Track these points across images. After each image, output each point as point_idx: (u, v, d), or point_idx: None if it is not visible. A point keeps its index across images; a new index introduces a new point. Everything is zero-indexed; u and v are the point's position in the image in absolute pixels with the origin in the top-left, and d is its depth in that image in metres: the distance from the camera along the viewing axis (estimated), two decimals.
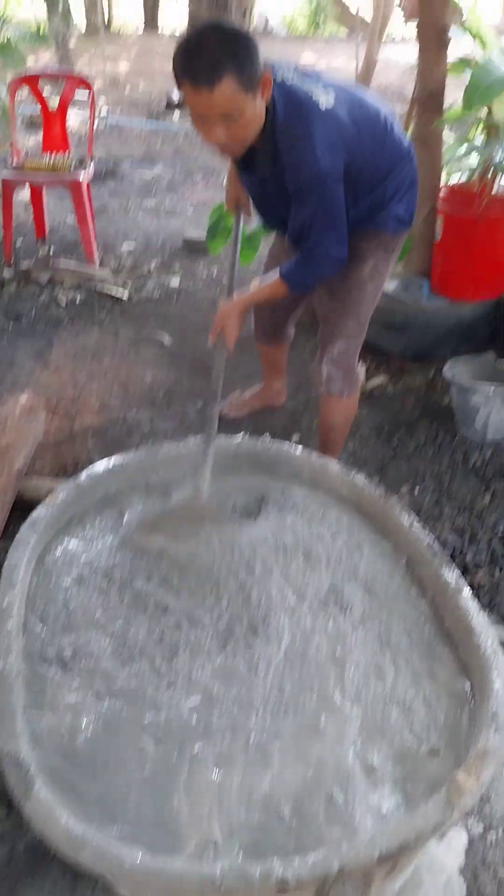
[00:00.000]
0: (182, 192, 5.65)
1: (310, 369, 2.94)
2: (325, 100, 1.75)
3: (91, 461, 2.43)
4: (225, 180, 2.34)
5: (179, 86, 1.63)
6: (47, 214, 4.50)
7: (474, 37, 3.05)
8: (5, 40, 4.03)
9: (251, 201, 2.20)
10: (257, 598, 1.52)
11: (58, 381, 2.97)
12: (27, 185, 4.04)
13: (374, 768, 1.20)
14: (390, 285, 3.13)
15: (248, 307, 2.01)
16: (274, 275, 1.96)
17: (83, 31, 14.63)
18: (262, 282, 2.01)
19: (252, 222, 2.62)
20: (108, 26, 15.67)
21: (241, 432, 1.98)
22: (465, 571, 2.02)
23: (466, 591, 1.47)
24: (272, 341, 2.58)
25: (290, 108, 1.73)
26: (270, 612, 1.49)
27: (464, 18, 3.14)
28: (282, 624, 1.46)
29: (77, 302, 3.65)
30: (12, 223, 3.99)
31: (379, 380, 2.98)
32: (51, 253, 4.25)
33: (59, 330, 3.38)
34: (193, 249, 4.33)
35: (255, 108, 1.66)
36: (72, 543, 1.72)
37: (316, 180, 1.76)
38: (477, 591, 1.95)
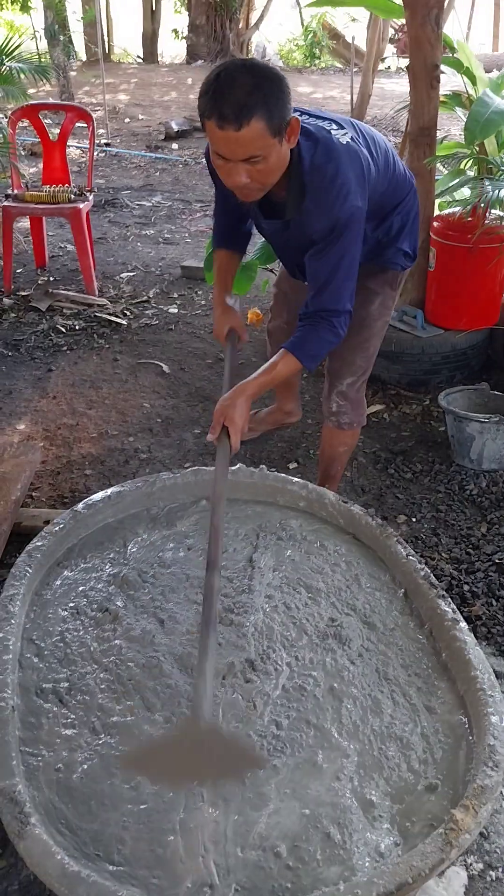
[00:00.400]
0: (180, 221, 5.71)
1: (310, 399, 2.97)
2: (343, 137, 1.72)
3: (89, 490, 2.46)
4: (214, 308, 2.14)
5: (204, 123, 1.55)
6: (47, 243, 4.54)
7: (463, 74, 3.12)
8: (7, 71, 4.08)
9: (273, 250, 2.16)
10: (255, 632, 1.52)
11: (56, 408, 2.98)
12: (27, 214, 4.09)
13: (372, 805, 1.19)
14: None
15: (257, 396, 1.79)
16: (284, 357, 1.79)
17: (83, 61, 14.88)
18: (268, 363, 1.80)
19: (248, 254, 2.60)
20: (107, 57, 15.93)
21: (237, 463, 1.99)
22: (462, 603, 2.02)
23: (463, 624, 1.47)
24: None
25: (317, 149, 1.67)
26: (270, 646, 1.49)
27: (453, 55, 3.20)
28: (280, 658, 1.46)
29: (76, 330, 3.68)
30: (12, 252, 4.03)
31: (376, 408, 3.00)
32: (50, 281, 4.29)
33: (57, 358, 3.40)
34: (192, 277, 4.37)
35: (281, 153, 1.58)
36: (69, 575, 1.72)
37: (350, 220, 1.70)
38: (474, 622, 1.95)
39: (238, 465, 1.98)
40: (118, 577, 1.69)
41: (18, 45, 4.24)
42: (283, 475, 2.00)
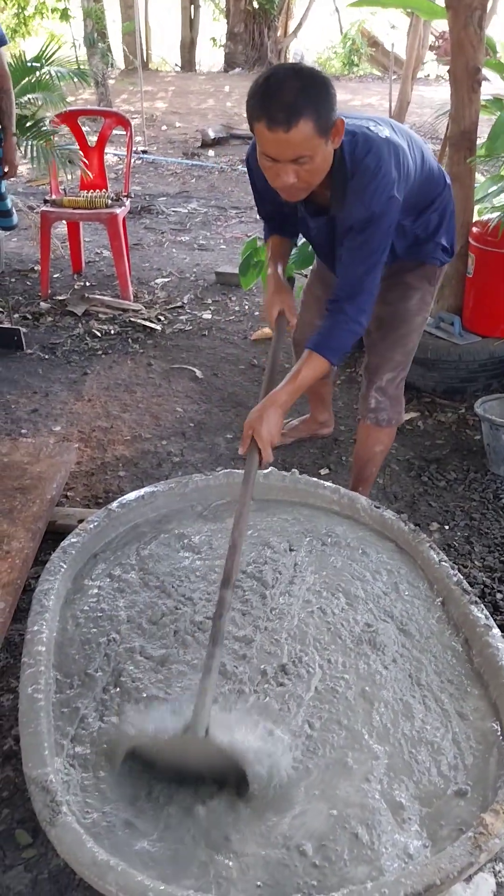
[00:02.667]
0: (215, 227, 5.75)
1: (343, 406, 2.96)
2: (382, 132, 1.76)
3: (122, 491, 2.49)
4: (267, 286, 2.06)
5: (253, 125, 1.58)
6: (84, 248, 4.61)
7: None
8: (47, 78, 4.15)
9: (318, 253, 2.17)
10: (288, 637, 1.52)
11: (91, 411, 3.02)
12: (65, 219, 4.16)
13: (401, 807, 1.19)
14: None
15: (288, 406, 1.74)
16: (308, 358, 1.76)
17: (122, 69, 15.07)
18: (294, 370, 1.76)
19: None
20: (146, 65, 16.11)
21: (269, 467, 2.00)
22: (495, 610, 2.00)
23: (496, 630, 1.46)
24: None
25: (358, 144, 1.71)
26: (303, 649, 1.49)
27: (497, 57, 3.20)
28: (314, 661, 1.46)
29: (111, 334, 3.72)
30: (49, 257, 4.09)
31: (410, 415, 2.99)
32: (86, 286, 4.35)
33: (93, 362, 3.45)
34: (226, 284, 4.40)
35: (326, 153, 1.62)
36: (103, 571, 1.74)
37: (386, 211, 1.72)
38: None
39: (270, 469, 1.99)
40: (150, 570, 1.71)
41: (56, 51, 4.31)
42: (314, 479, 2.01)
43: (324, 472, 2.62)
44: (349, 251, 1.78)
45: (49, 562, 1.68)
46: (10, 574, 1.95)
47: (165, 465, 2.66)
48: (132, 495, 1.91)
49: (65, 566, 1.68)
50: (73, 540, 1.76)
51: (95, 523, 1.81)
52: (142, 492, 1.93)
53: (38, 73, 4.02)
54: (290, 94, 1.50)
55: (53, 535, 2.21)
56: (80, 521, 2.22)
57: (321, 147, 1.58)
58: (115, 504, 1.88)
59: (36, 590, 1.61)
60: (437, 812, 1.18)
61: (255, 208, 2.13)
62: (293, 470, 2.00)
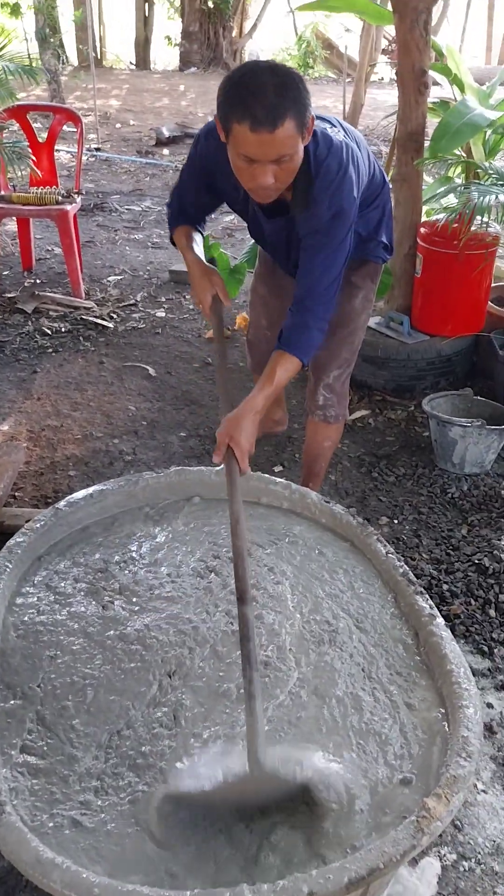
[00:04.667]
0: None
1: (296, 404, 2.98)
2: (337, 134, 1.76)
3: (72, 491, 2.45)
4: (190, 270, 1.99)
5: (229, 127, 1.53)
6: (34, 245, 4.55)
7: (451, 81, 3.16)
8: None
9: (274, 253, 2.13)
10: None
11: (41, 410, 2.98)
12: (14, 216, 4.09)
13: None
14: (373, 320, 3.19)
15: (263, 410, 1.74)
16: (280, 360, 1.75)
17: (75, 66, 14.90)
18: (265, 374, 1.75)
19: (235, 257, 2.62)
20: (99, 62, 15.96)
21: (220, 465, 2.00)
22: (441, 602, 2.04)
23: (440, 620, 1.49)
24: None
25: (319, 145, 1.71)
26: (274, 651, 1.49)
27: (442, 61, 3.25)
28: (271, 656, 1.47)
29: (62, 332, 3.68)
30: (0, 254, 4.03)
31: (361, 413, 3.02)
32: (37, 283, 4.30)
33: (43, 360, 3.41)
34: (179, 282, 4.39)
35: (301, 152, 1.60)
36: (49, 573, 1.72)
37: (350, 210, 1.75)
38: (453, 621, 1.97)
39: (221, 466, 1.99)
40: (99, 571, 1.70)
41: (4, 46, 4.24)
42: (266, 475, 2.01)
43: (277, 469, 2.64)
44: (313, 251, 1.77)
45: None
46: None
47: (117, 464, 2.64)
48: (80, 494, 1.89)
49: (10, 566, 1.65)
50: (18, 540, 1.72)
51: (42, 523, 1.78)
52: (90, 490, 1.90)
53: None
54: (271, 92, 1.47)
55: (1, 536, 2.19)
56: (28, 521, 2.21)
57: (299, 145, 1.57)
58: (62, 503, 1.85)
59: None
60: (381, 800, 1.20)
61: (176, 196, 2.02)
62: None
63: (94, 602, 1.60)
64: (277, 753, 1.18)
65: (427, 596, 1.55)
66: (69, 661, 1.44)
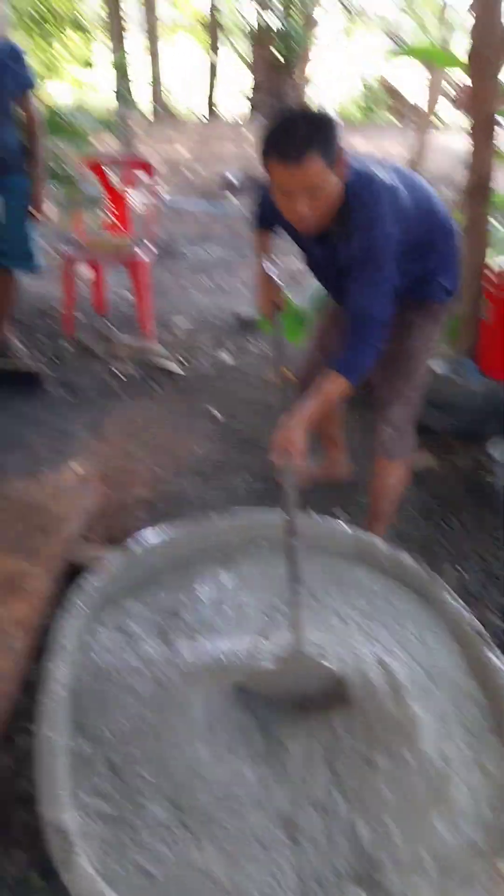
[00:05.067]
0: (235, 271, 5.86)
1: (359, 448, 2.98)
2: (385, 176, 1.92)
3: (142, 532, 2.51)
4: (256, 280, 2.34)
5: (267, 164, 1.77)
6: (107, 290, 4.71)
7: None
8: (74, 125, 4.29)
9: (313, 276, 2.31)
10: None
11: (111, 451, 3.06)
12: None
13: (419, 859, 1.18)
14: (437, 365, 3.19)
15: (314, 418, 1.89)
16: (329, 377, 1.89)
17: (147, 117, 15.48)
18: (316, 387, 1.90)
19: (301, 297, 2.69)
20: (170, 113, 16.55)
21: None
22: None
23: None
24: None
25: (359, 180, 1.87)
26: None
27: None
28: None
29: (132, 375, 3.79)
30: (73, 298, 4.19)
31: (425, 459, 3.00)
32: (108, 327, 4.43)
33: (113, 402, 3.50)
34: (246, 327, 4.47)
35: (334, 184, 1.80)
36: (120, 615, 1.76)
37: (380, 240, 1.87)
38: None
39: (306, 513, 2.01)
40: (170, 612, 1.72)
41: (84, 99, 4.46)
42: (333, 520, 2.03)
43: (338, 512, 2.64)
44: (355, 280, 1.91)
45: (68, 602, 1.70)
46: (29, 613, 1.97)
47: (185, 507, 2.68)
48: (151, 536, 1.94)
49: (83, 608, 1.70)
50: (91, 581, 1.78)
51: (114, 564, 1.83)
52: (161, 532, 1.95)
53: (67, 120, 4.15)
54: (298, 130, 1.70)
55: (72, 576, 2.24)
56: (99, 561, 2.26)
57: (330, 178, 1.76)
58: (134, 545, 1.90)
59: (55, 630, 1.63)
60: (451, 865, 1.17)
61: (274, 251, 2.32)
62: (309, 512, 2.02)
63: (163, 646, 1.62)
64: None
65: (497, 649, 1.53)
66: (138, 706, 1.46)
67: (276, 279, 2.28)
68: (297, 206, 1.78)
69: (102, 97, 13.56)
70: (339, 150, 1.77)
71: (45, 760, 1.31)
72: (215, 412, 3.42)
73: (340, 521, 2.00)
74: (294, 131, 1.71)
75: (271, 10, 15.46)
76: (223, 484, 2.83)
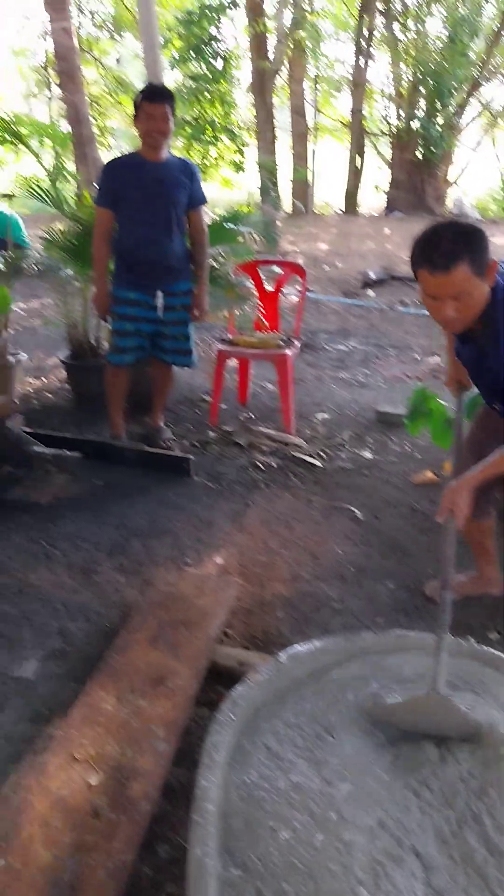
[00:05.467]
0: (375, 366, 5.89)
1: None
2: None
3: (281, 634, 2.48)
4: (444, 360, 2.58)
5: (416, 271, 1.89)
6: (251, 381, 4.84)
7: None
8: (235, 233, 4.53)
9: (468, 374, 2.38)
10: None
11: (251, 545, 3.08)
12: None
13: None
14: None
15: (480, 483, 2.00)
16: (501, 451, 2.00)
17: (288, 213, 16.21)
18: (487, 460, 2.02)
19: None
20: (311, 209, 17.26)
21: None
22: None
23: None
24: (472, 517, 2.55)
25: None
26: None
27: None
28: None
29: (273, 467, 3.83)
30: (221, 389, 4.33)
31: None
32: (251, 418, 4.54)
33: (255, 493, 3.54)
34: (386, 423, 4.45)
35: (482, 291, 1.91)
36: (268, 731, 1.71)
37: None
38: None
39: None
40: (318, 738, 1.66)
41: (246, 210, 4.71)
42: (483, 647, 1.92)
43: (493, 636, 2.50)
44: None
45: (220, 712, 1.68)
46: (174, 714, 1.97)
47: (324, 610, 2.63)
48: (301, 648, 1.90)
49: (234, 718, 1.67)
50: (241, 690, 1.75)
51: (264, 675, 1.80)
52: (310, 645, 1.91)
53: (228, 229, 4.39)
54: (448, 242, 1.82)
55: (211, 675, 2.23)
56: (240, 663, 2.24)
57: (477, 286, 1.88)
58: (283, 656, 1.87)
59: (206, 741, 1.60)
60: None
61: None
62: (469, 638, 1.92)
63: (315, 775, 1.56)
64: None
65: None
66: (290, 839, 1.40)
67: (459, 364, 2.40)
68: (444, 310, 1.90)
69: (249, 195, 14.39)
70: (488, 259, 1.87)
71: (195, 884, 1.27)
72: (356, 511, 3.38)
73: (492, 650, 1.90)
74: (443, 242, 1.82)
75: (414, 112, 16.03)
76: (365, 590, 2.76)
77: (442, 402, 3.33)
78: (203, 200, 3.67)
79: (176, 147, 14.42)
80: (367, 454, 4.05)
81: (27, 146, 4.48)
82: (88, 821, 1.62)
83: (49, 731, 2.02)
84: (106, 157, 14.45)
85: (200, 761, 1.56)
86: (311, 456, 3.96)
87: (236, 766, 1.60)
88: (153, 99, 3.38)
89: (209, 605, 2.50)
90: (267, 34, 14.26)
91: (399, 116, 16.65)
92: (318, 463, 3.89)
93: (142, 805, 1.68)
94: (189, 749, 1.96)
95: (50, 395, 4.95)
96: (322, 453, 4.03)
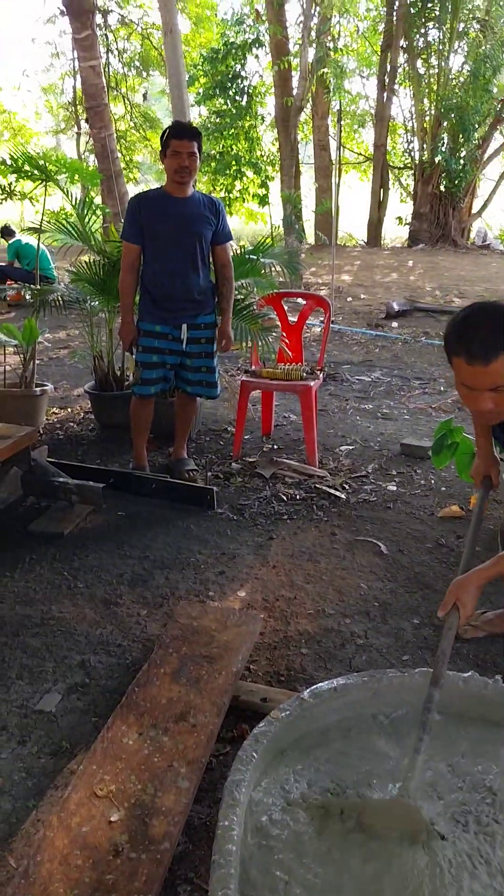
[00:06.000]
0: (399, 397, 5.88)
1: None
2: None
3: (304, 670, 2.45)
4: (477, 450, 2.47)
5: (451, 359, 1.77)
6: (274, 412, 4.85)
7: None
8: (260, 265, 4.57)
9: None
10: None
11: (275, 579, 3.06)
12: None
13: None
14: None
15: (489, 581, 1.91)
16: None
17: (311, 244, 16.36)
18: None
19: None
20: (334, 241, 17.39)
21: (470, 671, 1.91)
22: None
23: None
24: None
25: None
26: None
27: None
28: None
29: (297, 499, 3.82)
30: (244, 421, 4.34)
31: None
32: (274, 449, 4.54)
33: (278, 526, 3.53)
34: (411, 455, 4.43)
35: None
36: (287, 775, 1.69)
37: None
38: None
39: (471, 673, 1.90)
40: (337, 776, 1.64)
41: (270, 243, 4.76)
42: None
43: None
44: None
45: (242, 749, 1.66)
46: (196, 750, 1.95)
47: (349, 647, 2.60)
48: (325, 686, 1.88)
49: (256, 756, 1.65)
50: (264, 728, 1.73)
51: (287, 713, 1.78)
52: (334, 683, 1.89)
53: (252, 262, 4.44)
54: (486, 331, 1.68)
55: (233, 710, 2.21)
56: (263, 699, 2.22)
57: None
58: (307, 693, 1.85)
59: (228, 779, 1.58)
60: None
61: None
62: (496, 677, 1.89)
63: (330, 826, 1.53)
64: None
65: None
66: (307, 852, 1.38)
67: (494, 457, 2.32)
68: (480, 402, 1.78)
69: (273, 227, 14.56)
70: None
71: None
72: (381, 545, 3.35)
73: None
74: (482, 331, 1.69)
75: (437, 146, 16.17)
76: (390, 626, 2.73)
77: (468, 435, 3.30)
78: (229, 237, 3.73)
79: (201, 181, 14.69)
80: (392, 487, 4.02)
81: (55, 182, 4.57)
82: (109, 859, 1.60)
83: (70, 766, 2.01)
84: (133, 191, 14.74)
85: (222, 800, 1.54)
86: (334, 488, 3.95)
87: (255, 806, 1.58)
88: (181, 136, 3.45)
89: (232, 640, 2.49)
90: (291, 71, 14.52)
91: (422, 150, 16.81)
92: (342, 495, 3.87)
93: (163, 844, 1.66)
94: (211, 786, 1.94)
95: (74, 426, 4.99)
96: (346, 485, 4.02)
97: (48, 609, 2.79)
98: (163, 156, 3.53)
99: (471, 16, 16.05)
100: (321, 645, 2.62)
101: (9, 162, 4.46)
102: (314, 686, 1.88)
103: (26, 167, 4.44)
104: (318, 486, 3.97)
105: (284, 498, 3.83)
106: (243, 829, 1.49)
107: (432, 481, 4.08)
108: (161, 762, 1.89)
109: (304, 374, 4.28)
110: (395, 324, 8.83)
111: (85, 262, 4.61)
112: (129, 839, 1.65)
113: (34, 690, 2.34)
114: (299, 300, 5.09)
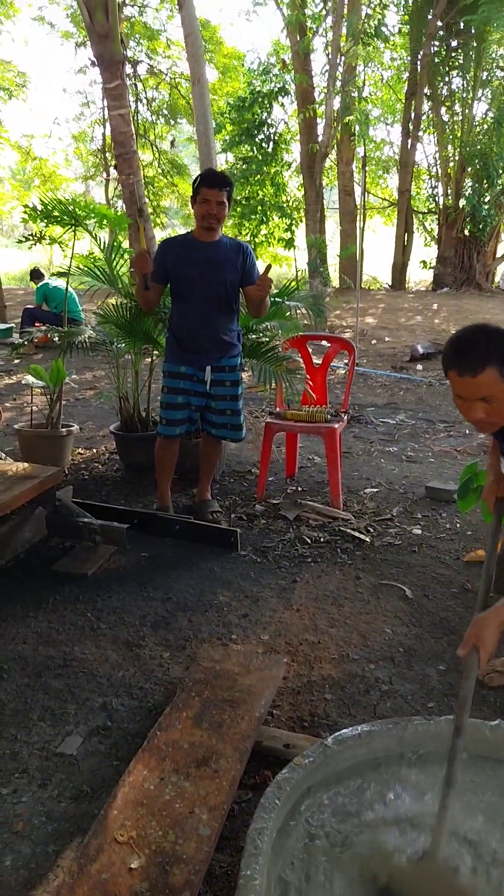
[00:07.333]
0: (423, 440, 5.87)
1: None
2: None
3: (328, 716, 2.42)
4: (487, 472, 2.48)
5: (447, 372, 1.92)
6: (298, 454, 4.86)
7: None
8: (285, 308, 4.63)
9: None
10: None
11: (299, 622, 3.04)
12: None
13: None
14: None
15: None
16: None
17: (335, 287, 16.51)
18: None
19: None
20: (359, 284, 17.54)
21: (497, 720, 1.87)
22: None
23: None
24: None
25: None
26: None
27: None
28: None
29: (321, 542, 3.80)
30: (269, 462, 4.35)
31: None
32: (298, 491, 4.54)
33: (302, 569, 3.51)
34: (436, 499, 4.40)
35: None
36: (311, 819, 1.66)
37: None
38: None
39: (497, 722, 1.87)
40: (359, 824, 1.61)
41: (295, 286, 4.82)
42: None
43: None
44: None
45: (264, 797, 1.64)
46: (218, 797, 1.92)
47: (373, 693, 2.57)
48: (349, 732, 1.85)
49: (279, 802, 1.63)
50: (287, 774, 1.71)
51: (311, 759, 1.76)
52: (359, 730, 1.87)
53: (278, 305, 4.50)
54: (476, 346, 1.84)
55: (256, 756, 2.18)
56: (286, 745, 2.19)
57: None
58: (331, 740, 1.82)
59: (251, 827, 1.56)
60: None
61: (466, 426, 2.48)
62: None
63: (356, 888, 1.50)
64: None
65: None
66: None
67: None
68: (472, 411, 1.91)
69: (298, 271, 14.74)
70: None
71: None
72: (406, 589, 3.32)
73: None
74: (473, 346, 1.84)
75: (461, 191, 16.35)
76: (415, 672, 2.69)
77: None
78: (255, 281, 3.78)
79: (226, 225, 14.96)
80: (417, 530, 3.99)
81: (84, 227, 4.69)
82: None
83: (90, 810, 1.99)
84: (160, 236, 15.03)
85: (244, 848, 1.52)
86: (359, 531, 3.93)
87: (277, 856, 1.55)
88: (211, 185, 3.53)
89: (255, 684, 2.47)
90: (316, 118, 14.83)
91: (446, 195, 17.00)
92: (366, 538, 3.85)
93: (184, 893, 1.63)
94: (232, 834, 1.91)
95: (99, 466, 5.04)
96: (370, 528, 4.00)
97: (71, 650, 2.79)
98: (193, 201, 3.62)
99: (494, 64, 16.33)
100: (345, 690, 2.58)
101: (39, 208, 4.59)
102: (338, 732, 1.86)
103: (55, 213, 4.57)
104: (342, 528, 3.95)
105: (308, 540, 3.82)
106: (266, 880, 1.47)
107: (458, 525, 4.05)
108: (182, 808, 1.87)
109: (329, 417, 4.30)
110: (419, 366, 8.84)
111: (112, 304, 4.70)
112: (150, 887, 1.63)
113: (56, 733, 2.33)
114: (324, 343, 5.12)
